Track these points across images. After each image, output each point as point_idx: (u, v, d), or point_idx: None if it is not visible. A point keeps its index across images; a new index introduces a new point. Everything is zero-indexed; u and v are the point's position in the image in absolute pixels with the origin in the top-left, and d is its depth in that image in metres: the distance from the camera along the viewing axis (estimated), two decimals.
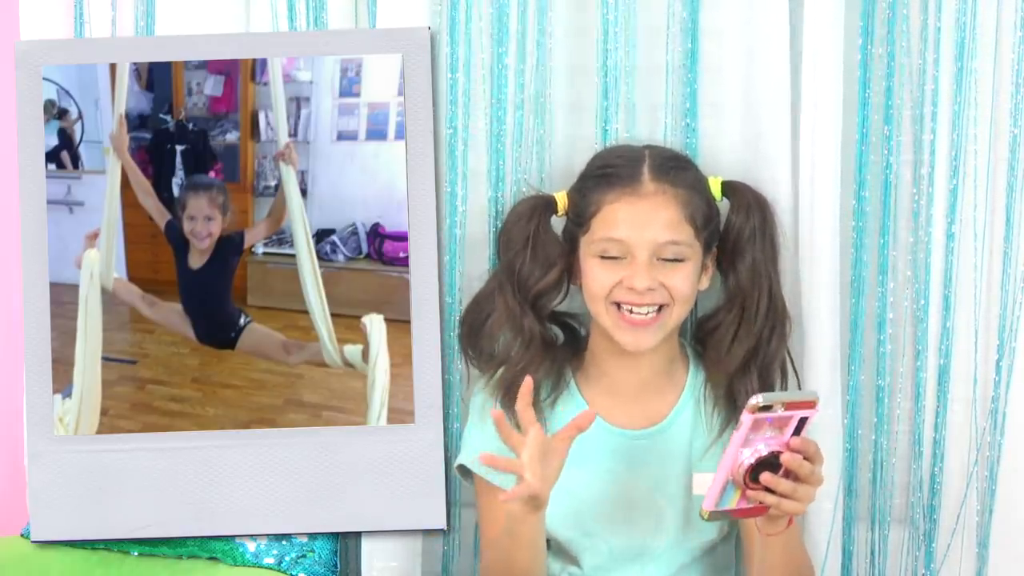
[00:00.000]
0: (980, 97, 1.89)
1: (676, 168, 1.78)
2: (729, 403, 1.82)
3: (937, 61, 1.89)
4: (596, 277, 1.76)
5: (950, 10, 1.88)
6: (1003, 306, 1.92)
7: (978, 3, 1.87)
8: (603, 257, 1.76)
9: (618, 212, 1.75)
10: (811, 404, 1.56)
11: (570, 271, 1.82)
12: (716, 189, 1.82)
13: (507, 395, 1.79)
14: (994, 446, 1.93)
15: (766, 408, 1.53)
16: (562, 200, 1.83)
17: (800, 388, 1.87)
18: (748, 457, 1.55)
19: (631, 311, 1.75)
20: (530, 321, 1.81)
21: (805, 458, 1.57)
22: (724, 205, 1.84)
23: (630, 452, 1.82)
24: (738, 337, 1.81)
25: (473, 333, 1.86)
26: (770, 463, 1.56)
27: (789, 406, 1.54)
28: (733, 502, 1.57)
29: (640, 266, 1.73)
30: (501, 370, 1.83)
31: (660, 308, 1.76)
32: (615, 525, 1.82)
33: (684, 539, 1.82)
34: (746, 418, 1.53)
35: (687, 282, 1.76)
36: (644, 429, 1.83)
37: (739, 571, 1.92)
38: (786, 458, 1.55)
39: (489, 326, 1.83)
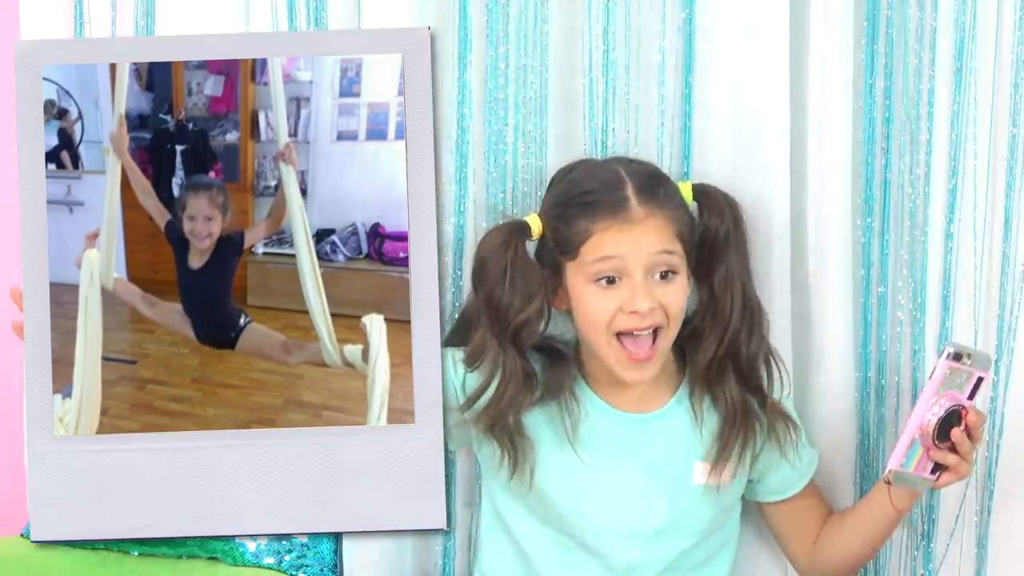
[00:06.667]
0: (979, 97, 1.89)
1: (658, 187, 1.77)
2: (715, 404, 1.83)
3: (934, 61, 1.89)
4: (595, 305, 1.75)
5: (949, 10, 1.89)
6: (1002, 306, 1.92)
7: (978, 3, 1.88)
8: (598, 283, 1.75)
9: (609, 238, 1.74)
10: (987, 365, 1.59)
11: (550, 297, 1.81)
12: (687, 194, 1.82)
13: (491, 427, 1.81)
14: (994, 446, 1.93)
15: (957, 357, 1.55)
16: (535, 224, 1.81)
17: (789, 382, 1.87)
18: (936, 413, 1.58)
19: (632, 335, 1.74)
20: (511, 357, 1.79)
21: None
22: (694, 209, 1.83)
23: (628, 434, 1.82)
24: (711, 340, 1.80)
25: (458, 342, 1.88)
26: (949, 422, 1.57)
27: (975, 360, 1.57)
28: (914, 462, 1.59)
29: (638, 287, 1.73)
30: (488, 391, 1.82)
31: (656, 332, 1.75)
32: (607, 507, 1.82)
33: (673, 527, 1.82)
34: (941, 364, 1.54)
35: (680, 298, 1.76)
36: (644, 413, 1.83)
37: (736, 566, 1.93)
38: (971, 417, 1.58)
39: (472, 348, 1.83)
